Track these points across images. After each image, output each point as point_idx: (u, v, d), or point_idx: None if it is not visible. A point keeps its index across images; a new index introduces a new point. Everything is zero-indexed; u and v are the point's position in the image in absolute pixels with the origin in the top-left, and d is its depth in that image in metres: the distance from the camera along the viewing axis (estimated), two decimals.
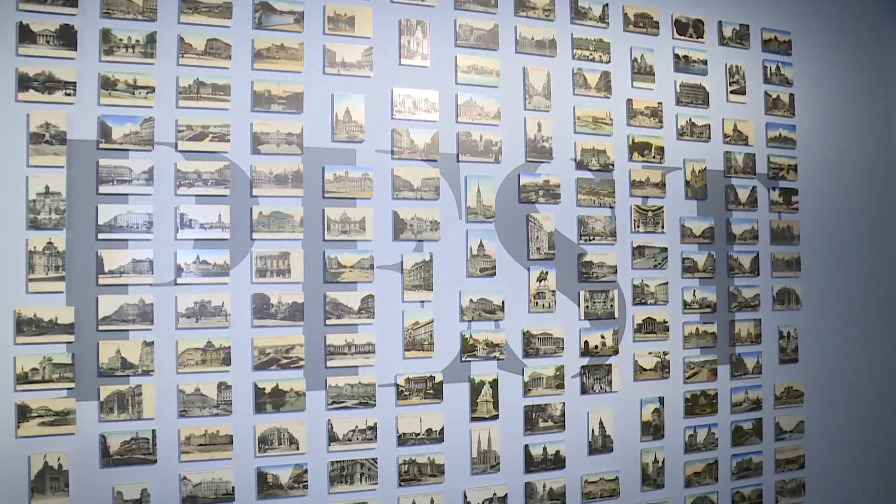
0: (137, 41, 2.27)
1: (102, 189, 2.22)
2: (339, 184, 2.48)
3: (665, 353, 2.84)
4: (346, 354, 2.44)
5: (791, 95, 3.22)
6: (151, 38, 2.28)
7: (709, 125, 2.99)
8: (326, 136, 2.49)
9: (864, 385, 3.33)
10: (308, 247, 2.40)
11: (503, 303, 2.60)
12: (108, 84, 2.24)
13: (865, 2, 3.45)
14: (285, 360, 2.36)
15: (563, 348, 2.68)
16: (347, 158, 2.51)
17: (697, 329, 2.92)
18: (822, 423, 3.21)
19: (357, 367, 2.42)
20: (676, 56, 3.00)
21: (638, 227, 2.84)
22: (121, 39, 2.25)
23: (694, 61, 3.01)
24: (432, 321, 2.51)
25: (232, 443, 2.27)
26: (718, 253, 2.97)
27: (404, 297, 2.49)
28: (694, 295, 2.92)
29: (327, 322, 2.41)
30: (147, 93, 2.29)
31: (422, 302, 2.52)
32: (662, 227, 2.88)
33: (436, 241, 2.54)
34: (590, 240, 2.75)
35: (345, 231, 2.47)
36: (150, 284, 2.25)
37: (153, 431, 2.19)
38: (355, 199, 2.49)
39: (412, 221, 2.52)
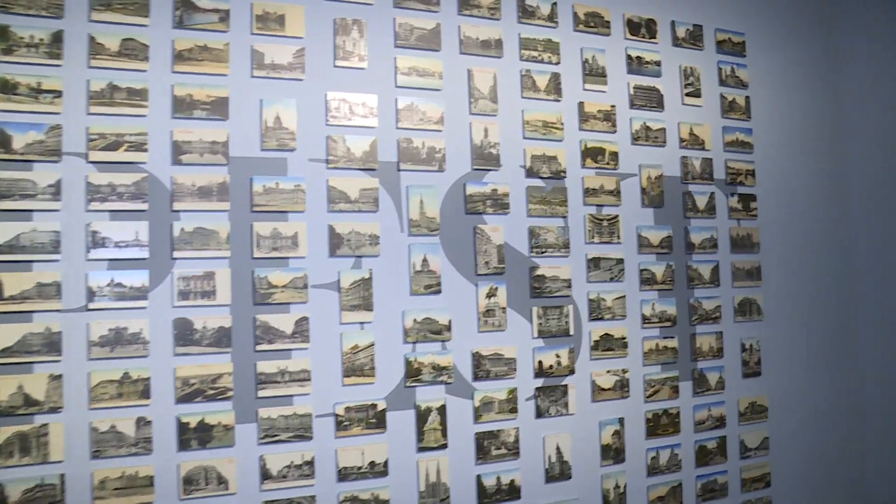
0: (41, 40, 2.24)
1: (2, 205, 2.17)
2: (269, 196, 2.47)
3: (624, 371, 2.91)
4: (279, 383, 2.42)
5: (747, 98, 3.38)
6: (58, 37, 2.26)
7: (664, 129, 3.10)
8: (255, 144, 2.48)
9: (828, 397, 3.51)
10: (235, 266, 2.38)
11: (450, 322, 2.62)
12: (6, 87, 2.20)
13: (818, 2, 3.54)
14: (212, 391, 2.32)
15: (515, 369, 2.71)
16: (278, 168, 2.50)
17: (657, 344, 2.99)
18: (787, 438, 3.35)
19: (291, 396, 2.40)
20: (629, 57, 3.12)
21: (593, 237, 2.90)
22: (22, 38, 2.22)
23: (647, 62, 3.12)
24: (373, 344, 2.50)
25: (153, 485, 2.21)
26: (677, 263, 3.06)
27: (342, 319, 2.48)
28: (653, 308, 3.00)
29: (258, 348, 2.38)
30: (53, 97, 2.25)
31: (361, 323, 2.51)
32: (618, 237, 2.95)
33: (375, 256, 2.54)
34: (542, 252, 2.79)
35: (276, 248, 2.46)
36: (58, 311, 2.20)
37: (62, 476, 2.12)
38: (287, 212, 2.49)
39: (349, 236, 2.52)
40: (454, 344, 2.63)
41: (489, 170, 2.75)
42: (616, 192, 2.96)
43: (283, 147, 2.50)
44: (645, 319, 2.97)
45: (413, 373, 2.55)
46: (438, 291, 2.61)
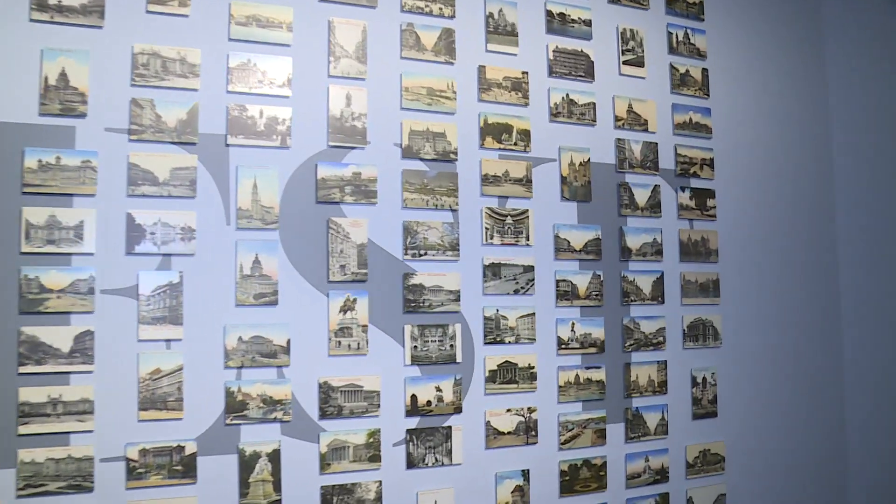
0: None
1: None
2: (47, 174, 2.18)
3: (531, 410, 2.64)
4: (49, 416, 2.12)
5: (704, 70, 3.11)
6: None
7: (594, 104, 2.87)
8: (30, 107, 2.19)
9: (802, 444, 3.20)
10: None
11: (288, 342, 2.36)
12: None
13: None
14: None
15: (378, 405, 2.45)
16: (61, 139, 2.21)
17: (578, 376, 2.72)
18: (750, 496, 3.05)
19: (67, 433, 2.13)
20: (549, 13, 2.84)
21: (491, 237, 2.65)
22: None
23: (574, 21, 2.88)
24: (182, 368, 2.24)
25: None
26: (608, 273, 2.83)
27: (140, 335, 2.22)
28: (573, 330, 2.74)
29: (21, 370, 2.10)
30: None
31: (167, 341, 2.25)
32: (527, 239, 2.70)
33: (189, 255, 2.29)
34: (420, 255, 2.54)
35: (52, 240, 2.17)
36: None
37: None
38: (71, 195, 2.20)
39: (154, 228, 2.26)
40: (294, 371, 2.36)
41: (351, 148, 2.50)
42: (526, 181, 2.71)
43: (69, 112, 2.20)
44: (562, 344, 2.71)
45: (236, 406, 2.28)
46: (274, 302, 2.36)
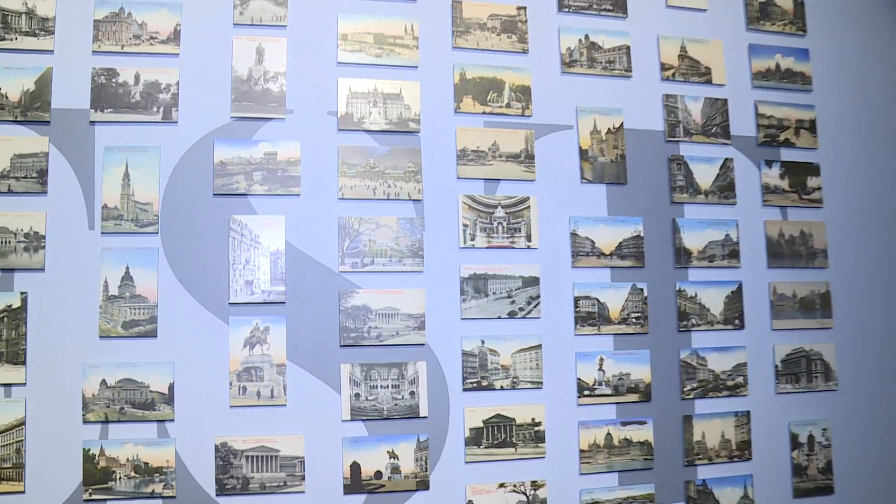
0: None
1: None
2: None
3: (537, 486, 2.15)
4: None
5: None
6: None
7: (627, 48, 2.40)
8: None
9: None
10: None
11: (171, 387, 2.00)
12: None
13: None
14: None
15: (303, 478, 2.02)
16: None
17: (611, 436, 2.23)
18: None
19: None
20: None
21: (473, 237, 2.21)
22: None
23: None
24: (23, 423, 1.89)
25: None
26: (655, 286, 2.35)
27: None
28: (601, 368, 2.27)
29: None
30: None
31: (6, 386, 1.93)
32: (528, 239, 2.25)
33: (37, 270, 1.98)
34: (364, 263, 2.11)
35: None
36: None
37: None
38: None
39: None
40: (181, 427, 2.04)
41: (264, 119, 2.17)
42: (525, 158, 2.30)
43: None
44: (585, 389, 2.27)
45: (98, 477, 1.95)
46: (153, 333, 2.03)
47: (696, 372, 2.33)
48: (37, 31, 2.03)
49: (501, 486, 2.17)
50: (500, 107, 2.28)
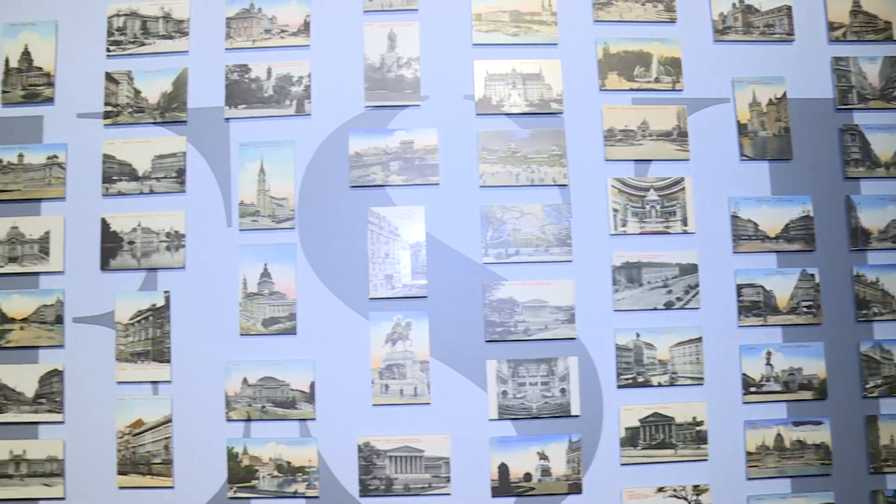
0: None
1: None
2: (9, 176, 2.04)
3: (699, 490, 2.05)
4: (12, 478, 1.97)
5: None
6: None
7: (788, 8, 2.22)
8: None
9: None
10: None
11: (313, 386, 2.03)
12: None
13: None
14: None
15: (448, 479, 1.99)
16: (26, 132, 2.07)
17: (781, 437, 2.08)
18: None
19: (34, 500, 1.99)
20: None
21: (625, 223, 2.12)
22: None
23: None
24: (170, 420, 1.98)
25: None
26: (829, 272, 2.17)
27: (118, 376, 2.00)
28: (769, 363, 2.11)
29: None
30: None
31: (153, 383, 2.01)
32: (685, 223, 2.15)
33: (178, 269, 2.05)
34: (510, 255, 2.06)
35: (14, 257, 2.01)
36: None
37: None
38: (38, 200, 2.04)
39: (133, 235, 2.02)
40: (323, 426, 2.03)
41: (399, 107, 2.15)
42: (678, 136, 2.18)
43: (33, 98, 2.09)
44: (751, 385, 2.12)
45: (241, 475, 2.00)
46: (292, 330, 2.05)
47: (879, 367, 2.09)
48: (172, 34, 2.09)
49: (660, 490, 2.05)
50: (649, 82, 2.15)
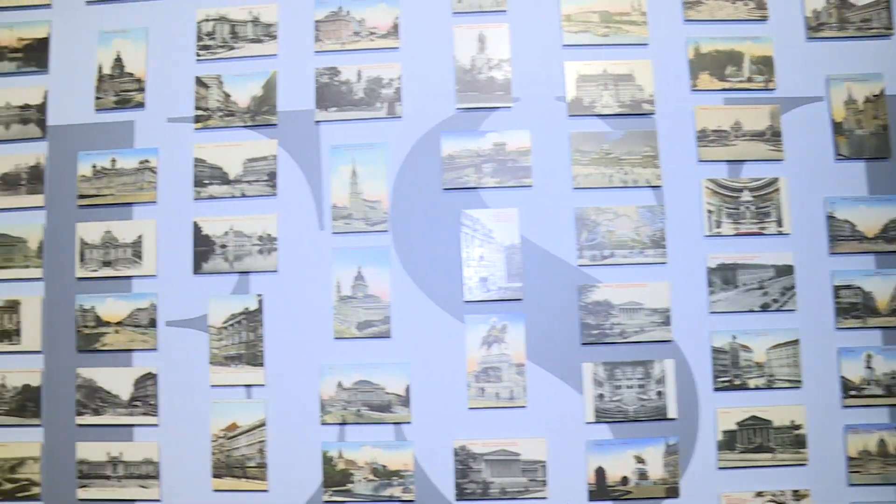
0: None
1: None
2: (102, 181, 2.08)
3: (800, 496, 2.02)
4: (108, 479, 2.00)
5: None
6: None
7: (887, 2, 2.19)
8: (86, 104, 2.13)
9: None
10: (51, 291, 2.06)
11: (408, 389, 2.05)
12: None
13: None
14: (10, 486, 2.00)
15: (545, 483, 2.00)
16: (119, 137, 2.11)
17: (884, 442, 2.05)
18: None
19: (130, 502, 2.03)
20: None
21: (719, 224, 2.11)
22: None
23: None
24: (264, 423, 2.00)
25: None
26: None
27: (212, 379, 2.04)
28: (869, 366, 2.08)
29: (79, 421, 2.02)
30: None
31: (246, 387, 2.04)
32: (780, 224, 2.11)
33: (271, 272, 2.07)
34: (604, 257, 2.06)
35: (108, 261, 2.05)
36: None
37: None
38: (129, 204, 2.08)
39: (225, 239, 2.05)
40: (418, 430, 2.04)
41: (491, 109, 2.14)
42: (771, 136, 2.15)
43: (125, 104, 2.12)
44: (851, 389, 2.08)
45: (337, 478, 2.00)
46: (387, 333, 2.05)
47: None
48: (261, 38, 2.11)
49: (759, 495, 2.01)
50: (741, 81, 2.12)
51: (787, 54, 2.14)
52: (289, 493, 1.98)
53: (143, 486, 1.98)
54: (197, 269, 2.03)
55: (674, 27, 2.14)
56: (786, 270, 2.05)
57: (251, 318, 2.00)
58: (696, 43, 2.12)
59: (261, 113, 2.07)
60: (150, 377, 1.99)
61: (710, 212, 2.07)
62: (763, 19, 2.13)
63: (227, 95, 2.07)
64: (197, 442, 2.01)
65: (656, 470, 1.99)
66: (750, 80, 2.12)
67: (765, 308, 2.04)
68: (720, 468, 2.02)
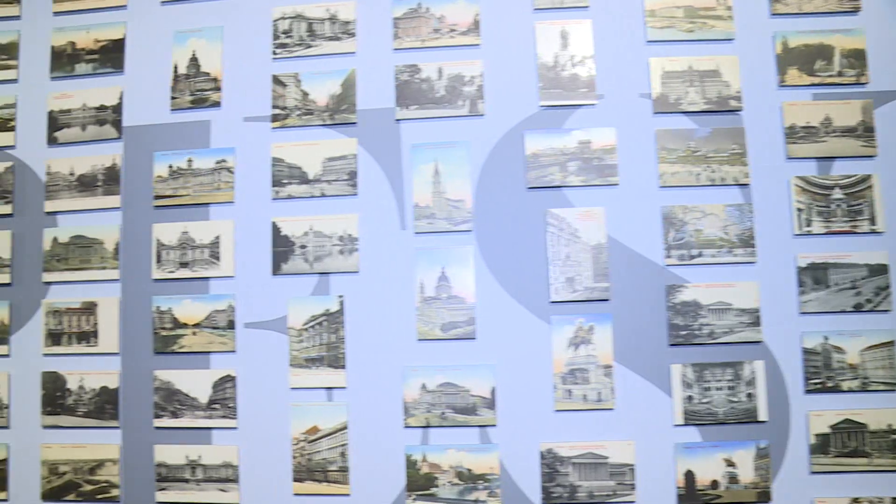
0: None
1: None
2: (178, 181, 2.08)
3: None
4: (187, 482, 2.00)
5: None
6: None
7: None
8: (161, 104, 2.13)
9: None
10: (128, 292, 2.06)
11: (493, 391, 2.01)
12: None
13: None
14: (90, 487, 2.00)
15: (633, 486, 1.97)
16: (195, 137, 2.11)
17: None
18: None
19: None
20: None
21: (809, 223, 2.06)
22: None
23: None
24: (346, 427, 1.99)
25: None
26: None
27: (291, 382, 2.02)
28: None
29: (157, 423, 2.03)
30: None
31: (327, 389, 2.01)
32: (872, 222, 2.06)
33: (352, 273, 2.05)
34: (692, 257, 2.03)
35: (185, 262, 2.04)
36: None
37: None
38: (207, 204, 2.07)
39: (305, 239, 2.03)
40: (504, 433, 2.01)
41: (575, 106, 2.10)
42: (864, 131, 2.09)
43: (201, 103, 2.11)
44: None
45: (421, 482, 1.98)
46: (471, 335, 2.02)
47: None
48: (339, 35, 2.09)
49: (855, 501, 1.96)
50: (831, 76, 2.07)
51: (880, 47, 2.09)
52: (371, 497, 1.96)
53: (222, 490, 1.97)
54: (276, 270, 2.01)
55: (760, 21, 2.09)
56: (880, 270, 2.00)
57: (332, 320, 1.98)
58: (783, 37, 2.07)
59: (340, 111, 2.05)
60: (229, 379, 1.98)
61: (799, 210, 2.02)
62: (854, 11, 2.08)
63: (306, 94, 2.05)
64: (277, 445, 1.99)
65: (747, 473, 1.95)
66: (840, 74, 2.07)
67: (858, 308, 1.99)
68: (813, 472, 1.97)
